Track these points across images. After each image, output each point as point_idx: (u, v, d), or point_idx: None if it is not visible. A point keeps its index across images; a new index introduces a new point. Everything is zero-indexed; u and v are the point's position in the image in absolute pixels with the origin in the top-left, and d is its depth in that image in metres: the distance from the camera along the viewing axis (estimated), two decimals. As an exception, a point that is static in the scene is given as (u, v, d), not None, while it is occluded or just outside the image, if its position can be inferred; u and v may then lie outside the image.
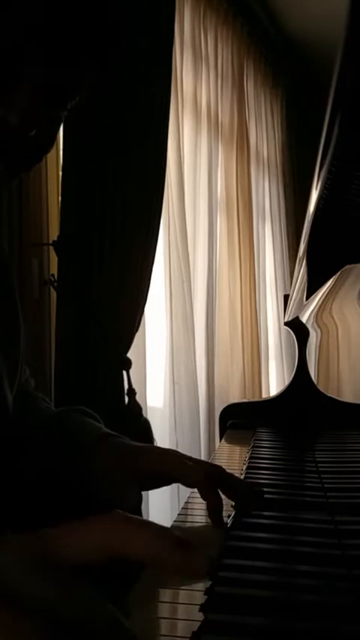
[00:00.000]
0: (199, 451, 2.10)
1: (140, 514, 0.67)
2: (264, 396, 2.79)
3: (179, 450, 0.72)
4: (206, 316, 2.28)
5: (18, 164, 0.61)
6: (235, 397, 2.50)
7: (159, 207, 1.60)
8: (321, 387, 1.21)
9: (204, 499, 0.65)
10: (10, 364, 0.74)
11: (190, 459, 0.69)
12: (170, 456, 0.68)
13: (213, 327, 2.34)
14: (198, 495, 0.72)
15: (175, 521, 0.70)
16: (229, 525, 0.65)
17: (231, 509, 0.70)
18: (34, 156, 0.62)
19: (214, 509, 0.65)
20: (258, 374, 2.79)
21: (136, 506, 0.66)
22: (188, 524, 0.70)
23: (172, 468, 0.67)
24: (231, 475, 0.69)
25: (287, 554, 0.57)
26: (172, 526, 0.68)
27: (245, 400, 2.14)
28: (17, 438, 0.73)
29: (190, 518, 0.71)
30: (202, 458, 2.08)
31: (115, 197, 1.50)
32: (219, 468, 0.70)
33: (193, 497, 0.77)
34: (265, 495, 0.71)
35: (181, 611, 0.49)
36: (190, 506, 0.74)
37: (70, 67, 0.58)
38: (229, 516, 0.68)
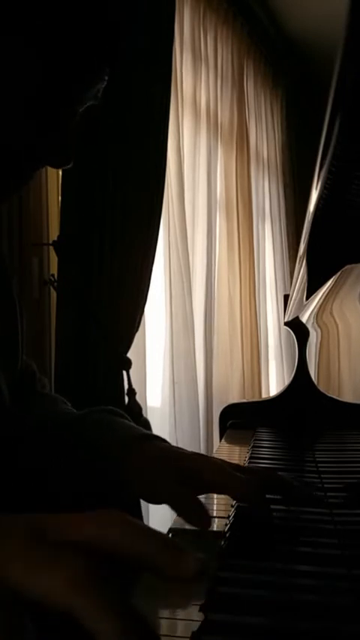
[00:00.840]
0: (198, 451, 2.10)
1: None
2: (264, 396, 2.79)
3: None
4: (205, 316, 2.28)
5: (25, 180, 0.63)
6: (235, 397, 2.50)
7: (159, 207, 1.60)
8: (321, 387, 1.21)
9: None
10: (7, 359, 0.73)
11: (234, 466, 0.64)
12: (213, 463, 0.63)
13: (212, 327, 2.34)
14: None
15: (175, 521, 0.70)
16: (229, 524, 0.65)
17: (230, 509, 0.70)
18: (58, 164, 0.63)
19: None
20: (258, 374, 2.79)
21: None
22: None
23: (217, 479, 0.61)
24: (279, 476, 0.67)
25: (287, 554, 0.57)
26: (172, 528, 0.68)
27: (245, 400, 2.14)
28: (17, 432, 0.72)
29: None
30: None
31: (115, 197, 1.50)
32: (264, 473, 0.67)
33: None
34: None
35: (181, 611, 0.48)
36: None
37: (89, 93, 0.60)
38: (229, 516, 0.68)
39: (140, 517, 1.50)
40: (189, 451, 0.67)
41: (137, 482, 0.64)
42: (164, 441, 0.69)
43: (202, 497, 0.68)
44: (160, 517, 1.79)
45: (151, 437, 0.69)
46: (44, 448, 0.72)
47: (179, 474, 0.61)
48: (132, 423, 0.73)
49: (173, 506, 0.60)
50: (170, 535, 0.64)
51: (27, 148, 0.59)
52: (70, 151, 0.63)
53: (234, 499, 0.65)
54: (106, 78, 0.61)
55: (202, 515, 0.57)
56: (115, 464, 0.65)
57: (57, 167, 0.64)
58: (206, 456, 0.67)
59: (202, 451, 2.14)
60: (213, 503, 0.74)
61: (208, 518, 0.57)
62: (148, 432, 0.70)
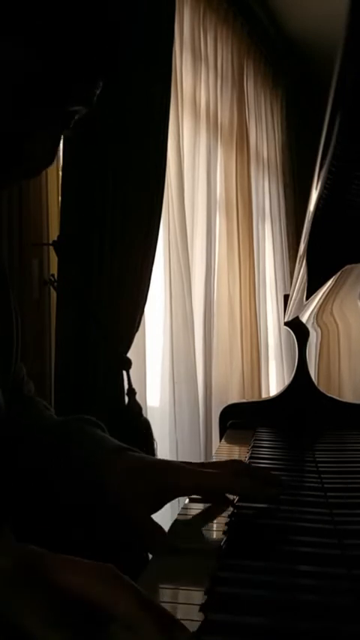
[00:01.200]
0: (198, 451, 2.10)
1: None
2: (264, 396, 2.79)
3: (178, 449, 0.71)
4: (204, 316, 2.28)
5: (17, 178, 0.62)
6: (234, 397, 2.50)
7: (159, 208, 1.60)
8: (322, 387, 1.21)
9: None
10: (3, 361, 0.73)
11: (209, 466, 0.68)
12: (184, 469, 0.67)
13: (211, 327, 2.34)
14: (198, 495, 0.72)
15: (175, 520, 0.70)
16: (227, 524, 0.65)
17: (230, 509, 0.70)
18: (34, 174, 0.63)
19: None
20: (257, 374, 2.79)
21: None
22: (192, 516, 0.70)
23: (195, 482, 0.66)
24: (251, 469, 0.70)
25: (287, 554, 0.57)
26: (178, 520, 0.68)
27: (245, 400, 2.14)
28: (9, 436, 0.73)
29: (192, 513, 0.71)
30: (201, 457, 2.09)
31: (115, 197, 1.50)
32: (238, 464, 0.71)
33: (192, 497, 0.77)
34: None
35: (181, 611, 0.48)
36: (190, 505, 0.74)
37: (86, 91, 0.59)
38: (229, 516, 0.68)
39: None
40: (158, 460, 0.72)
41: (115, 497, 0.65)
42: (136, 451, 0.71)
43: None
44: (160, 517, 1.79)
45: (124, 448, 0.70)
46: (33, 453, 0.72)
47: (152, 487, 0.65)
48: (105, 434, 0.74)
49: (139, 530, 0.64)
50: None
51: (11, 146, 0.58)
52: (51, 159, 0.62)
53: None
54: (101, 83, 0.61)
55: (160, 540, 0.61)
56: (96, 475, 0.67)
57: (32, 175, 0.62)
58: (173, 464, 0.70)
59: (202, 451, 2.14)
60: (213, 503, 0.74)
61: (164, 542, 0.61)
62: (120, 444, 0.71)
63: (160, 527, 0.63)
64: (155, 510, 0.66)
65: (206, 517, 0.70)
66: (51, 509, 0.70)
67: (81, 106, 0.61)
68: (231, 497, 0.71)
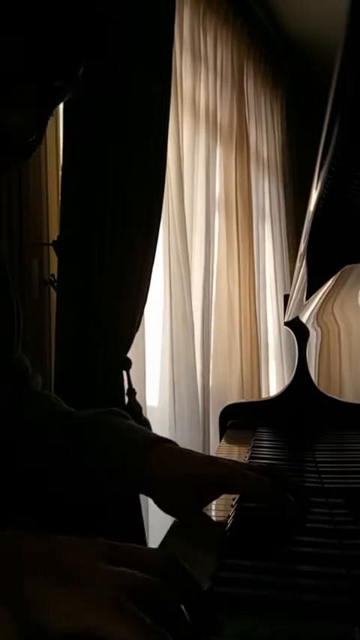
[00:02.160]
0: (199, 451, 2.10)
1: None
2: (264, 396, 2.79)
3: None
4: (202, 316, 2.28)
5: (7, 163, 0.61)
6: (234, 397, 2.50)
7: (159, 208, 1.60)
8: (322, 387, 1.21)
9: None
10: (3, 349, 0.73)
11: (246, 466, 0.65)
12: (222, 464, 0.64)
13: (209, 327, 2.34)
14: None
15: (175, 520, 0.70)
16: (229, 525, 0.65)
17: (230, 508, 0.70)
18: (24, 154, 0.62)
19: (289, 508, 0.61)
20: (257, 374, 2.79)
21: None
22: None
23: (229, 479, 0.63)
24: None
25: (287, 554, 0.57)
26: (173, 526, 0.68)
27: (245, 400, 2.14)
28: (15, 431, 0.73)
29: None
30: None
31: (115, 197, 1.50)
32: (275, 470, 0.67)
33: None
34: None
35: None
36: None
37: (67, 66, 0.59)
38: (229, 516, 0.68)
39: (141, 523, 1.50)
40: (200, 454, 0.67)
41: (153, 489, 0.65)
42: (172, 442, 0.70)
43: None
44: (160, 516, 1.79)
45: (161, 440, 0.69)
46: (45, 450, 0.72)
47: (192, 483, 0.63)
48: (139, 426, 0.73)
49: (181, 520, 0.63)
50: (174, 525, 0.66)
51: None
52: (39, 137, 0.61)
53: (252, 500, 0.66)
54: (84, 59, 0.60)
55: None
56: (128, 470, 0.66)
57: (23, 156, 0.62)
58: (216, 459, 0.68)
59: (201, 451, 2.13)
60: (212, 503, 0.74)
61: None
62: (156, 435, 0.70)
63: (209, 518, 0.62)
64: (199, 498, 0.65)
65: (206, 517, 0.70)
66: (68, 502, 0.70)
67: (64, 82, 0.61)
68: (231, 497, 0.72)
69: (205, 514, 0.63)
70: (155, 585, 0.37)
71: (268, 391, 3.00)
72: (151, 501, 0.68)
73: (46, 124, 0.64)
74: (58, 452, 0.71)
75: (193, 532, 0.64)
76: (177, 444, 0.70)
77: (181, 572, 0.40)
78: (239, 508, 0.69)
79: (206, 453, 0.75)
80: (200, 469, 0.64)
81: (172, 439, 0.72)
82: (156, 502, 0.67)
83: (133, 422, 0.74)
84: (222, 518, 0.68)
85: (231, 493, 0.70)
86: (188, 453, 0.67)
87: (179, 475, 0.64)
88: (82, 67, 0.61)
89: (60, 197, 1.52)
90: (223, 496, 0.72)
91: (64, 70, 0.59)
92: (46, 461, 0.71)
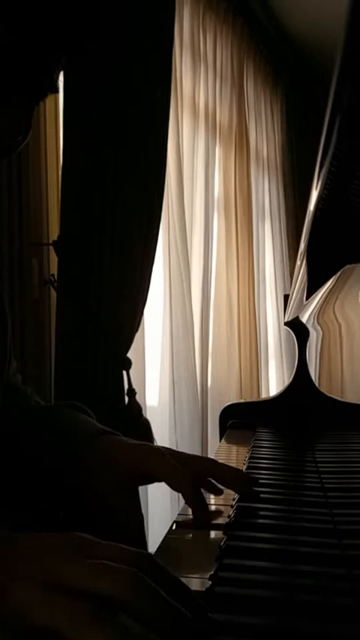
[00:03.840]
0: (198, 450, 2.10)
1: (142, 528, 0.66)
2: (263, 396, 2.79)
3: (178, 449, 0.71)
4: (202, 316, 2.28)
5: None
6: (233, 397, 2.50)
7: (159, 208, 1.60)
8: (323, 387, 1.21)
9: (188, 504, 0.65)
10: None
11: (179, 456, 0.68)
12: (156, 454, 0.67)
13: (208, 327, 2.34)
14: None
15: (175, 520, 0.70)
16: (227, 524, 0.65)
17: (230, 509, 0.70)
18: (10, 151, 0.63)
19: (198, 513, 0.65)
20: (257, 374, 2.79)
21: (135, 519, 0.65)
22: (192, 516, 0.70)
23: (156, 469, 0.66)
24: (221, 468, 0.69)
25: (287, 554, 0.57)
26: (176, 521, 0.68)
27: (244, 400, 2.14)
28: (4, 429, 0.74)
29: (191, 514, 0.71)
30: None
31: (115, 197, 1.50)
32: (207, 463, 0.70)
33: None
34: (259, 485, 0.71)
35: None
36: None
37: (53, 63, 0.59)
38: (229, 516, 0.68)
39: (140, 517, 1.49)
40: (136, 443, 0.70)
41: (90, 478, 0.67)
42: (118, 434, 0.72)
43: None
44: (160, 516, 1.79)
45: (104, 432, 0.72)
46: (39, 445, 0.74)
47: (124, 472, 0.66)
48: (90, 419, 0.76)
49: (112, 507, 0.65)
50: (174, 526, 0.67)
51: None
52: (25, 133, 0.62)
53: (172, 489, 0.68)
54: (67, 54, 0.61)
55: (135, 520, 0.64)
56: (71, 461, 0.68)
57: (9, 151, 0.62)
58: (150, 447, 0.70)
59: (201, 451, 2.14)
60: (211, 504, 0.74)
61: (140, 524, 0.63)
62: (102, 427, 0.73)
63: (134, 506, 0.65)
64: (132, 490, 0.68)
65: (206, 517, 0.70)
66: (29, 495, 0.72)
67: (50, 78, 0.61)
68: (231, 496, 0.72)
69: (130, 501, 0.66)
70: (140, 582, 0.36)
71: (267, 391, 3.00)
72: (150, 502, 0.70)
73: (31, 116, 0.64)
74: (13, 442, 0.74)
75: (193, 532, 0.65)
76: (120, 435, 0.73)
77: (163, 571, 0.40)
78: (239, 508, 0.69)
79: (206, 453, 0.76)
80: (130, 460, 0.67)
81: (172, 439, 0.74)
82: (90, 490, 0.68)
83: (85, 415, 0.77)
84: (222, 519, 0.68)
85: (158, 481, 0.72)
86: (122, 443, 0.70)
87: (112, 465, 0.67)
88: (62, 62, 0.61)
89: (60, 197, 1.52)
90: (223, 496, 0.72)
91: (50, 66, 0.60)
92: (5, 450, 0.73)
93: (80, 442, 0.69)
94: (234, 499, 0.71)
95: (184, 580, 0.42)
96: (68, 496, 0.70)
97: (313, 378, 1.28)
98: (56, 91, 0.64)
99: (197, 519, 0.65)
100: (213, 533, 0.66)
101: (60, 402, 0.80)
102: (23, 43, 0.56)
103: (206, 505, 0.66)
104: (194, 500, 0.65)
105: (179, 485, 0.65)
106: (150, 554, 0.41)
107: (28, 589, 0.36)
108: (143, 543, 0.65)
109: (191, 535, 0.66)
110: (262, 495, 0.72)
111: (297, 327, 1.34)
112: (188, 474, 0.65)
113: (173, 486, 0.66)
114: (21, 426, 0.76)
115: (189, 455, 0.70)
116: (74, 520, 0.70)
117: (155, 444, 1.58)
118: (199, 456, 0.72)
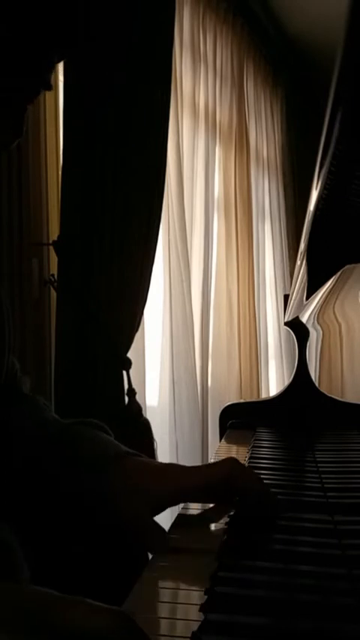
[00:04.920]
0: (198, 450, 2.10)
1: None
2: (263, 396, 2.79)
3: (178, 449, 0.71)
4: (202, 316, 2.28)
5: None
6: (233, 397, 2.50)
7: (159, 208, 1.60)
8: (323, 388, 1.21)
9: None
10: None
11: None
12: (186, 472, 0.67)
13: (208, 327, 2.34)
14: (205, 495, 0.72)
15: (175, 520, 0.70)
16: (227, 524, 0.65)
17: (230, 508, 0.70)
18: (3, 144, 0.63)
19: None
20: (256, 374, 2.79)
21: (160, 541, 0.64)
22: (192, 516, 0.70)
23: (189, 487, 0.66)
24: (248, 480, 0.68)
25: (287, 554, 0.57)
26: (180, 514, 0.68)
27: (244, 400, 2.14)
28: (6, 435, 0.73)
29: (192, 513, 0.71)
30: (201, 457, 2.09)
31: (115, 197, 1.50)
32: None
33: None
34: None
35: (181, 611, 0.49)
36: (190, 505, 0.74)
37: (47, 60, 0.60)
38: (229, 516, 0.68)
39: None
40: (163, 464, 0.71)
41: (114, 498, 0.66)
42: (140, 455, 0.71)
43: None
44: (160, 516, 1.79)
45: (127, 453, 0.70)
46: (36, 454, 0.72)
47: (152, 493, 0.65)
48: (111, 438, 0.74)
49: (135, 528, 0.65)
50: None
51: None
52: (19, 131, 0.62)
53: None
54: (62, 51, 0.61)
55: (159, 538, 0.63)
56: (94, 480, 0.67)
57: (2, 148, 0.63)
58: (179, 467, 0.69)
59: (201, 451, 2.14)
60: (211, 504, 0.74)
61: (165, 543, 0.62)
62: (126, 448, 0.71)
63: (159, 527, 0.63)
64: (159, 512, 0.66)
65: (206, 517, 0.70)
66: (50, 514, 0.70)
67: (45, 76, 0.61)
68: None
69: (155, 522, 0.65)
70: None
71: (267, 391, 3.00)
72: None
73: (23, 118, 0.64)
74: (35, 457, 0.72)
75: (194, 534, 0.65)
76: (144, 457, 0.71)
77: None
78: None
79: (206, 453, 0.76)
80: (154, 483, 0.66)
81: (172, 439, 0.73)
82: (115, 509, 0.66)
83: (106, 435, 0.75)
84: (222, 518, 0.68)
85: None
86: (148, 464, 0.69)
87: (137, 487, 0.66)
88: (56, 59, 0.61)
89: (60, 197, 1.52)
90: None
91: (45, 64, 0.60)
92: (34, 463, 0.72)
93: (106, 462, 0.68)
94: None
95: (184, 579, 0.42)
96: (86, 517, 0.69)
97: (313, 378, 1.28)
98: (50, 88, 0.64)
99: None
100: (214, 534, 0.66)
101: (80, 419, 0.77)
102: (18, 38, 0.56)
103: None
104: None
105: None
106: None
107: None
108: None
109: (192, 534, 0.66)
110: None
111: (297, 327, 1.34)
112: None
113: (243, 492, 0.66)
114: (40, 442, 0.73)
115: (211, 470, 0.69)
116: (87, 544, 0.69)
117: (155, 444, 1.58)
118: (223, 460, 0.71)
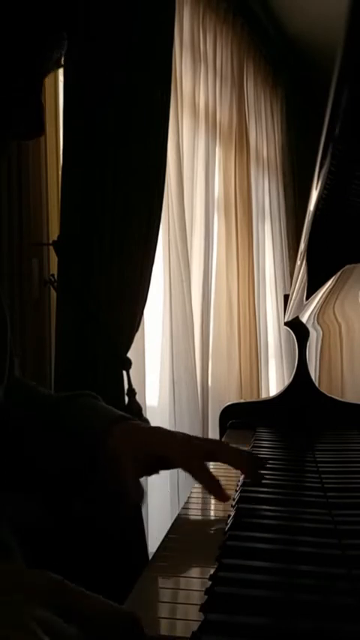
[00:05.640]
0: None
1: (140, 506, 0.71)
2: (263, 396, 2.79)
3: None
4: (202, 316, 2.28)
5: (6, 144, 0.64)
6: (233, 397, 2.50)
7: (159, 208, 1.60)
8: (323, 388, 1.21)
9: (197, 480, 0.69)
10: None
11: (190, 439, 0.72)
12: (169, 437, 0.72)
13: (208, 327, 2.34)
14: (198, 494, 0.73)
15: (176, 519, 0.70)
16: (228, 525, 0.65)
17: (231, 508, 0.70)
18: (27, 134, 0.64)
19: (208, 485, 0.68)
20: (256, 374, 2.79)
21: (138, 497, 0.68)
22: (192, 517, 0.71)
23: (169, 451, 0.70)
24: (228, 449, 0.73)
25: (287, 554, 0.57)
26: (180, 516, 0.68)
27: (244, 400, 2.14)
28: (11, 425, 0.75)
29: (192, 514, 0.71)
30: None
31: (115, 197, 1.50)
32: (217, 445, 0.74)
33: (193, 493, 0.77)
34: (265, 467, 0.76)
35: (181, 611, 0.49)
36: (191, 500, 0.74)
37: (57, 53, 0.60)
38: (229, 516, 0.68)
39: (141, 525, 1.50)
40: (153, 427, 0.77)
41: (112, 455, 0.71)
42: (136, 420, 0.77)
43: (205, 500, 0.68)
44: (160, 516, 1.79)
45: (124, 417, 0.76)
46: (23, 423, 0.77)
47: (143, 454, 0.70)
48: (109, 406, 0.80)
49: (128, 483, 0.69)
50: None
51: None
52: (39, 121, 0.63)
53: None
54: (65, 43, 0.61)
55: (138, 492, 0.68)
56: (97, 440, 0.72)
57: (27, 138, 0.64)
58: (165, 431, 0.75)
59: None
60: (212, 503, 0.74)
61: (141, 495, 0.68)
62: (121, 413, 0.77)
63: (138, 482, 0.68)
64: (149, 472, 0.72)
65: (206, 517, 0.70)
66: (50, 478, 0.76)
67: (52, 66, 0.62)
68: (231, 497, 0.72)
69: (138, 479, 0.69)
70: None
71: (267, 391, 3.00)
72: (151, 502, 0.72)
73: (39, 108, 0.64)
74: (34, 424, 0.77)
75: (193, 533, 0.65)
76: (136, 420, 0.77)
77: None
78: (239, 508, 0.69)
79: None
80: (148, 444, 0.71)
81: None
82: (110, 465, 0.72)
83: (102, 403, 0.81)
84: (223, 518, 0.68)
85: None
86: (141, 427, 0.75)
87: (133, 447, 0.71)
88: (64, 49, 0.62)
89: (60, 197, 1.52)
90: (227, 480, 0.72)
91: (45, 58, 0.60)
92: (23, 432, 0.77)
93: (105, 424, 0.73)
94: (234, 499, 0.71)
95: (184, 579, 0.42)
96: (85, 478, 0.74)
97: (313, 378, 1.28)
98: (59, 65, 0.64)
99: (211, 491, 0.68)
100: (214, 533, 0.66)
101: (77, 391, 0.83)
102: (14, 28, 0.56)
103: (214, 478, 0.68)
104: (200, 476, 0.68)
105: (186, 463, 0.69)
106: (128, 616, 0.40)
107: None
108: (140, 519, 0.69)
109: (192, 533, 0.66)
110: (262, 495, 0.73)
111: (297, 327, 1.34)
112: (196, 453, 0.70)
113: (182, 465, 0.70)
114: (37, 412, 0.79)
115: (201, 438, 0.76)
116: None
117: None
118: (210, 439, 0.79)
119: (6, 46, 0.56)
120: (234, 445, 0.76)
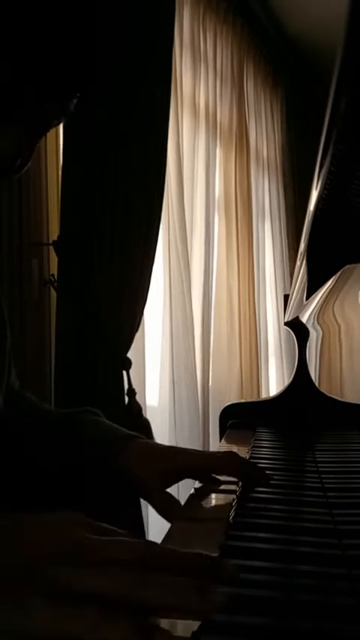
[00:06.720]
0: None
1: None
2: (263, 396, 2.79)
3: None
4: (202, 316, 2.28)
5: None
6: (233, 397, 2.50)
7: (159, 208, 1.60)
8: (323, 388, 1.21)
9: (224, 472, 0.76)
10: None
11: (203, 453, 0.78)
12: (184, 453, 0.77)
13: (209, 327, 2.34)
14: (198, 494, 0.73)
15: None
16: (230, 522, 0.65)
17: (231, 508, 0.70)
18: (12, 174, 0.63)
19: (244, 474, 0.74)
20: (257, 374, 2.79)
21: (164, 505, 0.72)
22: (192, 516, 0.70)
23: (187, 462, 0.75)
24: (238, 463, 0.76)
25: (287, 554, 0.57)
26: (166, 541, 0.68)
27: (245, 400, 2.14)
28: (12, 433, 0.75)
29: (192, 514, 0.71)
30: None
31: (115, 197, 1.50)
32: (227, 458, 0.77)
33: (194, 493, 0.77)
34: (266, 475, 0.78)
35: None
36: (191, 500, 0.74)
37: (58, 90, 0.59)
38: (229, 516, 0.68)
39: (139, 512, 1.50)
40: (166, 446, 0.80)
41: (129, 470, 0.74)
42: (144, 438, 0.80)
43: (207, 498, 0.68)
44: (158, 516, 1.79)
45: (131, 436, 0.79)
46: (28, 438, 0.79)
47: (161, 469, 0.74)
48: (114, 424, 0.83)
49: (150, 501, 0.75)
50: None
51: None
52: (23, 164, 0.62)
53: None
54: (76, 94, 0.61)
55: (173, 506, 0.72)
56: (112, 456, 0.74)
57: (8, 175, 0.63)
58: (180, 449, 0.79)
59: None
60: (210, 504, 0.74)
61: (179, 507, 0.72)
62: (128, 431, 0.80)
63: (173, 497, 0.72)
64: (168, 486, 0.75)
65: (206, 517, 0.70)
66: (50, 478, 0.77)
67: (55, 106, 0.61)
68: (231, 496, 0.72)
69: (168, 492, 0.74)
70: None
71: (267, 391, 3.00)
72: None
73: (35, 146, 0.64)
74: (41, 439, 0.79)
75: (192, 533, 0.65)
76: (145, 439, 0.81)
77: (167, 555, 0.41)
78: (239, 507, 0.69)
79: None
80: (164, 460, 0.75)
81: (172, 439, 0.79)
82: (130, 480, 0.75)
83: (107, 421, 0.84)
84: (222, 518, 0.68)
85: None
86: (153, 446, 0.79)
87: (148, 464, 0.75)
88: (76, 92, 0.61)
89: (60, 197, 1.52)
90: (222, 495, 0.72)
91: (54, 94, 0.59)
92: (30, 447, 0.77)
93: (114, 443, 0.76)
94: (234, 499, 0.71)
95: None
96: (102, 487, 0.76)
97: (313, 378, 1.28)
98: (61, 118, 0.64)
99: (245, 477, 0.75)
100: (214, 533, 0.66)
101: (78, 408, 0.85)
102: (22, 74, 0.55)
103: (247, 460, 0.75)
104: (229, 468, 0.74)
105: (211, 460, 0.75)
106: (150, 542, 0.41)
107: (34, 601, 0.36)
108: (140, 520, 0.73)
109: (192, 533, 0.66)
110: (262, 495, 0.73)
111: (297, 327, 1.34)
112: (214, 454, 0.76)
113: (206, 464, 0.76)
114: (34, 428, 0.80)
115: (211, 452, 0.81)
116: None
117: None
118: (220, 452, 0.81)
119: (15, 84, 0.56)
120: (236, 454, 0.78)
